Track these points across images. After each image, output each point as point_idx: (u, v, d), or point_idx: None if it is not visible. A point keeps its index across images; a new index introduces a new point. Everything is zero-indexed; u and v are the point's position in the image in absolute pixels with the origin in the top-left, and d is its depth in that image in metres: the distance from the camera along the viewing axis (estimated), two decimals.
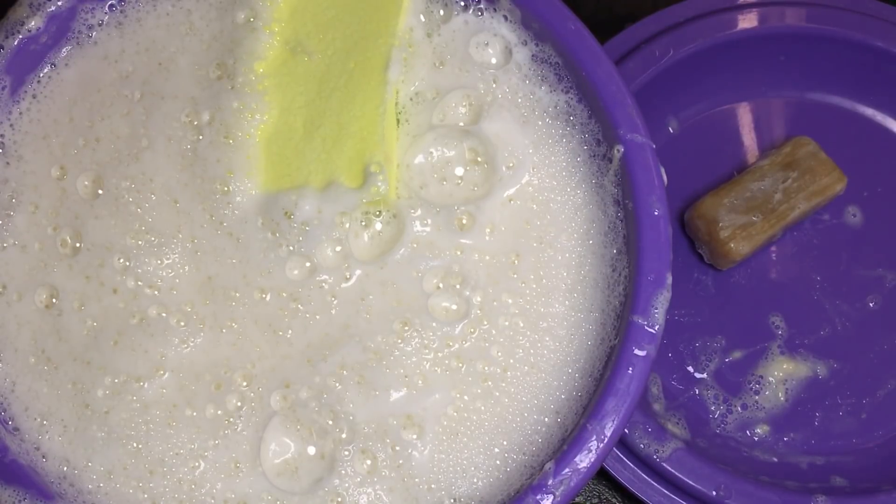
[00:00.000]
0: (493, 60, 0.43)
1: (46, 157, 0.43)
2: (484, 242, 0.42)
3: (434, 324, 0.41)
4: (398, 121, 0.43)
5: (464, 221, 0.42)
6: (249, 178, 0.41)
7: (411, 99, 0.43)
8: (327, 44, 0.42)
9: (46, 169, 0.43)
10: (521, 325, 0.41)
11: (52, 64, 0.43)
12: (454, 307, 0.41)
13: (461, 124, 0.43)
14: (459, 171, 0.42)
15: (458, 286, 0.41)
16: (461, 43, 0.43)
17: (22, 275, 0.42)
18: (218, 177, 0.41)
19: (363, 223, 0.41)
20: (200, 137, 0.41)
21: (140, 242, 0.42)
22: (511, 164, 0.42)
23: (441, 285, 0.41)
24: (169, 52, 0.43)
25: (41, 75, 0.43)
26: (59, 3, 0.43)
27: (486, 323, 0.41)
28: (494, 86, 0.43)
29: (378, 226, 0.41)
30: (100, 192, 0.42)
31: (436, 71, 0.43)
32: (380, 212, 0.41)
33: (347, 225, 0.41)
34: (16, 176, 0.43)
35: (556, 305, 0.41)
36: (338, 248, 0.41)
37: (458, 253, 0.42)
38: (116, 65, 0.43)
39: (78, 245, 0.42)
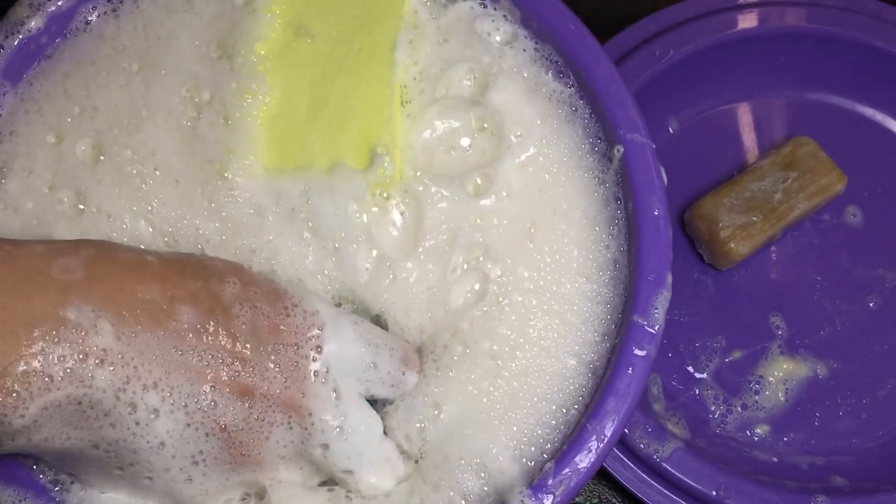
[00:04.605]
0: (499, 38, 0.43)
1: (40, 127, 0.42)
2: (502, 205, 0.41)
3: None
4: (402, 101, 0.42)
5: (478, 182, 0.41)
6: (251, 159, 0.40)
7: (415, 78, 0.42)
8: (331, 26, 0.42)
9: (41, 137, 0.42)
10: (535, 303, 0.40)
11: (48, 57, 0.43)
12: (477, 286, 0.41)
13: (466, 95, 0.42)
14: (466, 141, 0.42)
15: (480, 258, 0.41)
16: (466, 22, 0.43)
17: (12, 234, 0.41)
18: (215, 158, 0.41)
19: (380, 212, 0.41)
20: (200, 116, 0.41)
21: (149, 207, 0.41)
22: (519, 133, 0.42)
23: (465, 266, 0.41)
24: (168, 28, 0.42)
25: (35, 67, 0.43)
26: (60, 3, 0.43)
27: (501, 298, 0.40)
28: (500, 59, 0.42)
29: (397, 218, 0.41)
30: (101, 157, 0.41)
31: (440, 47, 0.43)
32: (387, 195, 0.41)
33: (365, 218, 0.41)
34: (7, 149, 0.42)
35: (568, 286, 0.41)
36: (374, 253, 0.41)
37: (478, 220, 0.41)
38: (112, 41, 0.43)
39: (81, 207, 0.41)
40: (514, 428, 0.39)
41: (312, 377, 0.36)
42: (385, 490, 0.38)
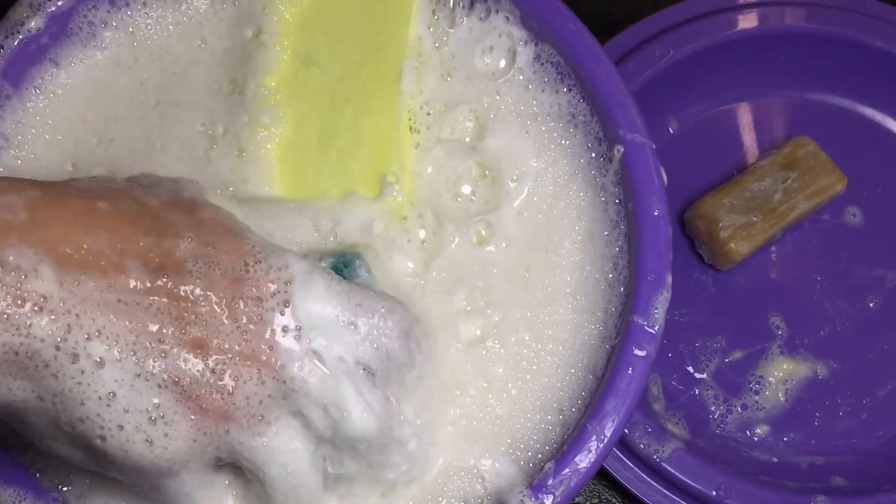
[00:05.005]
0: (500, 65, 0.44)
1: (59, 155, 0.43)
2: (501, 254, 0.42)
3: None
4: (410, 129, 0.43)
5: (483, 233, 0.42)
6: (266, 190, 0.40)
7: (421, 107, 0.44)
8: (338, 56, 0.43)
9: (60, 165, 0.42)
10: (527, 338, 0.41)
11: (55, 62, 0.43)
12: (478, 332, 0.41)
13: (468, 139, 0.43)
14: (467, 189, 0.43)
15: (482, 304, 0.41)
16: (467, 54, 0.44)
17: None
18: (230, 182, 0.41)
19: (402, 232, 0.41)
20: (214, 146, 0.41)
21: None
22: (515, 177, 0.43)
23: (469, 308, 0.41)
24: (183, 63, 0.43)
25: (45, 74, 0.43)
26: (60, 3, 0.43)
27: (496, 341, 0.41)
28: (497, 98, 0.43)
29: (422, 233, 0.42)
30: None
31: (444, 83, 0.44)
32: (405, 216, 0.41)
33: (391, 233, 0.41)
34: (29, 171, 0.42)
35: (561, 311, 0.41)
36: (409, 265, 0.41)
37: (480, 269, 0.42)
38: (130, 72, 0.43)
39: None
40: (509, 440, 0.39)
41: (280, 332, 0.35)
42: (367, 433, 0.36)
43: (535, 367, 0.41)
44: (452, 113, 0.44)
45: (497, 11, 0.44)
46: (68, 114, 0.43)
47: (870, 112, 0.58)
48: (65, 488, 0.39)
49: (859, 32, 0.56)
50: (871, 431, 0.53)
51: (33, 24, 0.42)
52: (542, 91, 0.43)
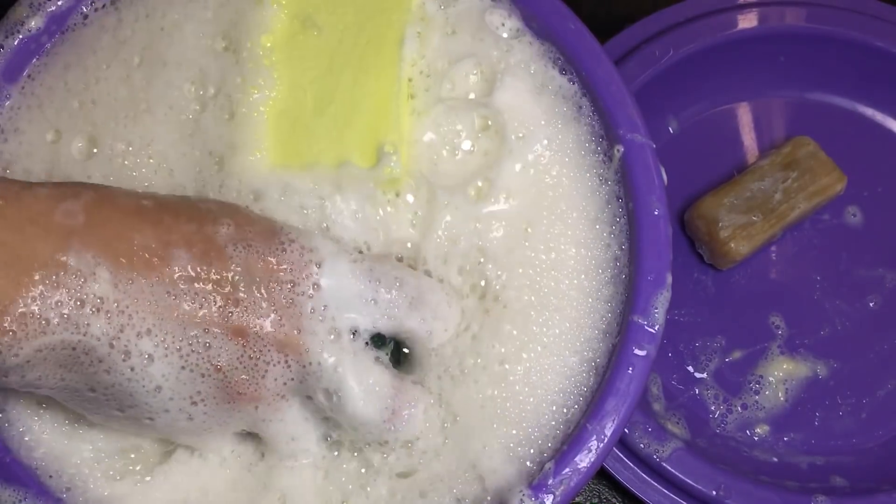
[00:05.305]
0: (508, 31, 0.43)
1: (40, 125, 0.42)
2: (501, 208, 0.41)
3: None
4: (409, 96, 0.42)
5: (479, 185, 0.41)
6: (257, 155, 0.40)
7: (421, 72, 0.42)
8: (338, 18, 0.41)
9: (41, 135, 0.42)
10: (534, 300, 0.40)
11: (47, 52, 0.43)
12: (482, 283, 0.40)
13: (472, 95, 0.42)
14: (468, 144, 0.41)
15: (481, 260, 0.40)
16: (476, 13, 0.43)
17: None
18: (217, 152, 0.40)
19: (394, 211, 0.40)
20: (204, 110, 0.41)
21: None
22: (521, 134, 0.41)
23: (468, 267, 0.40)
24: (171, 18, 0.42)
25: (36, 63, 0.43)
26: (59, 3, 0.43)
27: (503, 300, 0.40)
28: (508, 53, 0.42)
29: (412, 216, 0.40)
30: (94, 150, 0.41)
31: (448, 39, 0.42)
32: (398, 192, 0.40)
33: (380, 213, 0.40)
34: (11, 149, 0.42)
35: (565, 283, 0.40)
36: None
37: (478, 225, 0.41)
38: (114, 31, 0.42)
39: None
40: (514, 431, 0.39)
41: (309, 313, 0.36)
42: (365, 418, 0.37)
43: (544, 340, 0.40)
44: (455, 67, 0.42)
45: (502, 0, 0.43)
46: (50, 81, 0.42)
47: (870, 112, 0.58)
48: (72, 492, 0.39)
49: (859, 32, 0.56)
50: (871, 431, 0.53)
51: (33, 23, 0.42)
52: (554, 68, 0.42)
